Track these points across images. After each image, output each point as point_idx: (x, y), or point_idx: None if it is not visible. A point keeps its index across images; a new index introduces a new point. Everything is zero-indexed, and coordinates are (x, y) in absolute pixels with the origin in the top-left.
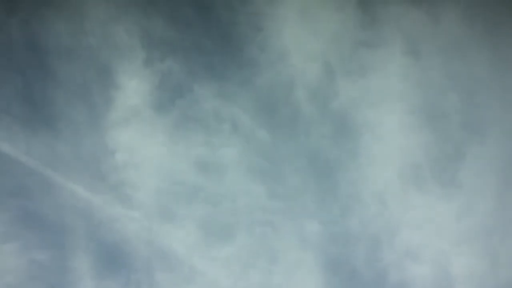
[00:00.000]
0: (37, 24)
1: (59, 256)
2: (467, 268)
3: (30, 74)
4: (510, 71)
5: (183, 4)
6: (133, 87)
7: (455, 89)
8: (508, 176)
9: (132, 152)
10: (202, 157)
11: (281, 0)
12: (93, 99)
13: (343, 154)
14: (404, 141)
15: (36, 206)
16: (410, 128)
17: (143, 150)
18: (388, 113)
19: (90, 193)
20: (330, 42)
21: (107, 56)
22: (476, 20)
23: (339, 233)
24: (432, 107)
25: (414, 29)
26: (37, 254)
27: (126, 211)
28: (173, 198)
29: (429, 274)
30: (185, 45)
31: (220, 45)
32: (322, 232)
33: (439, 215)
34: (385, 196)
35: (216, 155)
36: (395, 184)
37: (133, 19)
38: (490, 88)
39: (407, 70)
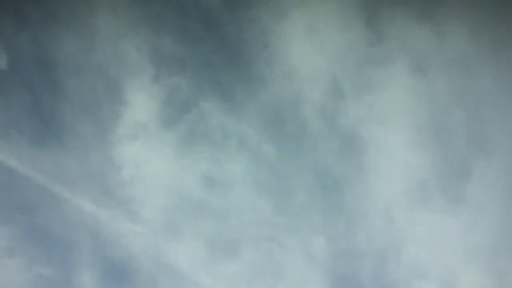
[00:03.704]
0: (47, 40)
1: (65, 271)
2: (473, 284)
3: (39, 90)
4: None
5: (191, 22)
6: (141, 102)
7: (461, 105)
8: None
9: (139, 167)
10: (209, 172)
11: (289, 18)
12: (101, 114)
13: (350, 170)
14: (410, 157)
15: (42, 221)
16: (416, 144)
17: (150, 165)
18: (395, 129)
19: (96, 208)
20: (337, 59)
21: (116, 72)
22: (482, 37)
23: (346, 248)
24: (438, 123)
25: (420, 47)
26: (43, 269)
27: (132, 226)
28: (179, 214)
29: None
30: (193, 61)
31: (227, 62)
32: (328, 248)
33: (446, 231)
34: (391, 212)
35: (222, 170)
36: (401, 200)
37: (142, 36)
38: (496, 105)
39: (414, 87)
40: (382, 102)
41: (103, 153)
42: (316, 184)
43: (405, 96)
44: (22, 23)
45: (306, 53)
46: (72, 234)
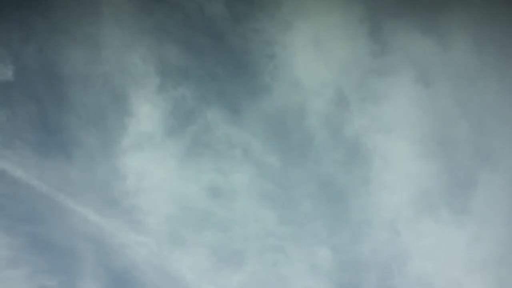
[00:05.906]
0: (53, 51)
1: (69, 282)
2: None
3: (44, 100)
4: None
5: (197, 33)
6: (146, 113)
7: (465, 116)
8: None
9: (144, 178)
10: (213, 182)
11: (293, 29)
12: (106, 125)
13: (354, 181)
14: (415, 168)
15: (46, 231)
16: (421, 155)
17: (155, 176)
18: (399, 140)
19: (101, 218)
20: (341, 70)
21: (122, 83)
22: (486, 48)
23: (350, 260)
24: (442, 134)
25: (424, 58)
26: (46, 280)
27: (137, 237)
28: (183, 224)
29: None
30: (198, 72)
31: (232, 72)
32: (333, 259)
33: (451, 243)
34: (396, 223)
35: (227, 180)
36: (406, 211)
37: (148, 47)
38: (500, 116)
39: (418, 98)
40: (386, 113)
41: (107, 163)
42: (320, 194)
43: (409, 106)
44: (28, 34)
45: (311, 64)
46: (76, 244)
